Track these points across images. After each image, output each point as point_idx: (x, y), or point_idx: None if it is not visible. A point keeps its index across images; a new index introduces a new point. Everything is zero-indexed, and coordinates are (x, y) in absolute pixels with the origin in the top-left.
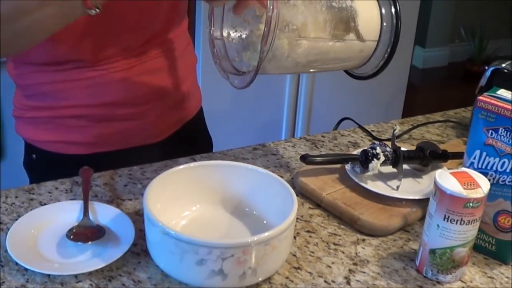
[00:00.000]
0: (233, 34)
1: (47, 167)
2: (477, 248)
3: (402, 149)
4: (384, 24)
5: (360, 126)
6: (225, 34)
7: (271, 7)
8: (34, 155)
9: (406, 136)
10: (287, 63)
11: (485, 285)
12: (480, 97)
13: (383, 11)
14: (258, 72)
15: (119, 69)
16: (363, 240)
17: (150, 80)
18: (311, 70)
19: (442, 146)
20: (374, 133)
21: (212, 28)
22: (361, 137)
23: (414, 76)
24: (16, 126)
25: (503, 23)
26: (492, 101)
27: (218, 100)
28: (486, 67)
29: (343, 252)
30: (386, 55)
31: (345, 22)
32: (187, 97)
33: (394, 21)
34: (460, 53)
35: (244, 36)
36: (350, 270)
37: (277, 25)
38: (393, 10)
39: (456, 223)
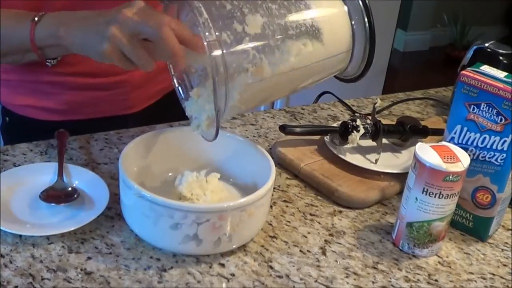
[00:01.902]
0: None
1: (20, 131)
2: (454, 224)
3: (382, 122)
4: (356, 33)
5: (340, 100)
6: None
7: (212, 62)
8: (7, 118)
9: (386, 112)
10: (255, 100)
11: (461, 261)
12: (463, 72)
13: (352, 15)
14: (219, 127)
15: None
16: (340, 212)
17: None
18: (287, 92)
19: (422, 123)
20: (354, 108)
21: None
22: (341, 111)
23: (395, 59)
24: None
25: (485, 10)
26: (476, 76)
27: None
28: (466, 53)
29: (319, 223)
30: (366, 57)
31: (310, 45)
32: (166, 68)
33: (367, 23)
34: (441, 38)
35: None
36: (326, 241)
37: (227, 77)
38: (363, 12)
39: (435, 197)
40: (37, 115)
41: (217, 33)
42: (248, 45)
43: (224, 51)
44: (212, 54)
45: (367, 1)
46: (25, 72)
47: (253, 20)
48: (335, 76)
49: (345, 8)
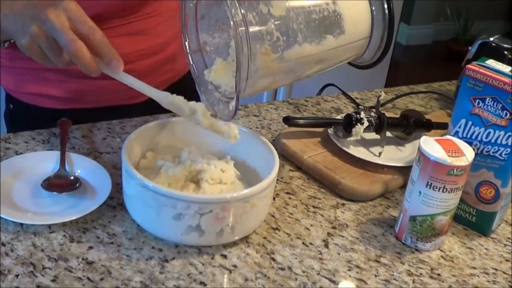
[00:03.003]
0: (211, 41)
1: (24, 119)
2: (457, 218)
3: (386, 115)
4: (375, 17)
5: (344, 93)
6: (201, 41)
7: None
8: (11, 105)
9: (389, 105)
10: (274, 82)
11: (463, 256)
12: (469, 66)
13: (372, 2)
14: (239, 98)
15: (102, 28)
16: (343, 204)
17: (132, 40)
18: (303, 76)
19: (425, 117)
20: (357, 100)
21: (187, 40)
22: (345, 103)
23: (398, 52)
24: None
25: (488, 5)
26: (481, 70)
27: None
28: (470, 48)
29: (322, 216)
30: (383, 44)
31: (329, 30)
32: (172, 59)
33: (386, 10)
34: (444, 32)
35: (222, 40)
36: (328, 234)
37: (250, 56)
38: (385, 5)
39: (439, 191)
40: (42, 103)
41: (242, 11)
42: (272, 27)
43: (249, 31)
44: (237, 33)
45: None
46: (31, 60)
47: (278, 3)
48: (349, 62)
49: None
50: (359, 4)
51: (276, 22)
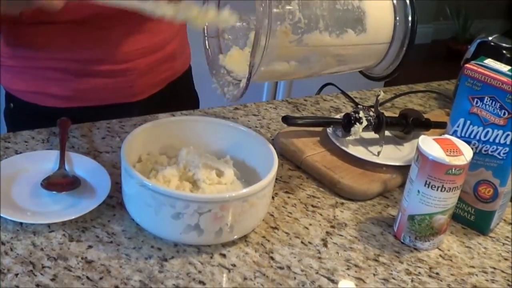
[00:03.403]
0: (230, 30)
1: (24, 117)
2: (456, 217)
3: (385, 115)
4: (398, 25)
5: (343, 92)
6: (220, 29)
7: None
8: (11, 104)
9: (388, 104)
10: (283, 64)
11: (462, 255)
12: (467, 65)
13: (397, 10)
14: (252, 75)
15: (103, 26)
16: (342, 203)
17: (133, 39)
18: (317, 70)
19: (424, 116)
20: (356, 100)
21: (207, 24)
22: (344, 103)
23: None
24: None
25: (488, 4)
26: (479, 70)
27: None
28: (469, 46)
29: (321, 215)
30: (401, 56)
31: (351, 25)
32: (172, 57)
33: (410, 23)
34: (443, 31)
35: (241, 31)
36: (327, 233)
37: (269, 31)
38: (409, 11)
39: (437, 190)
40: (42, 101)
41: None
42: (296, 7)
43: (273, 7)
44: (261, 5)
45: (414, 2)
46: (31, 59)
47: None
48: (362, 73)
49: (393, 1)
50: (384, 8)
51: (301, 4)
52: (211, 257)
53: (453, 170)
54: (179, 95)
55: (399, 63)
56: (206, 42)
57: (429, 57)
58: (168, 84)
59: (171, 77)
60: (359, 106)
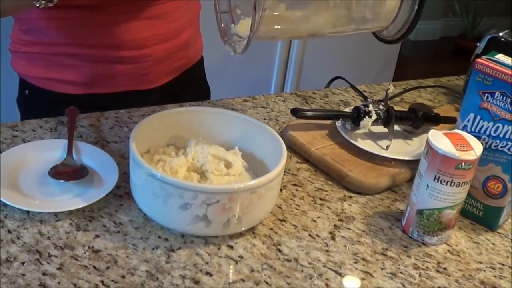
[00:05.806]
0: (241, 5)
1: (38, 104)
2: (464, 213)
3: (395, 109)
4: None
5: (352, 86)
6: (233, 5)
7: None
8: (26, 91)
9: (397, 99)
10: (290, 24)
11: (470, 250)
12: (478, 60)
13: None
14: (253, 33)
15: (121, 11)
16: (350, 197)
17: (150, 25)
18: (319, 25)
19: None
20: (365, 94)
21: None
22: (353, 96)
23: (406, 47)
24: (11, 61)
25: (497, 2)
26: (490, 64)
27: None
28: (478, 43)
29: (329, 208)
30: (412, 15)
31: None
32: (186, 45)
33: None
34: (452, 28)
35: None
36: (335, 226)
37: None
38: None
39: (446, 184)
40: (58, 88)
41: None
42: None
43: None
44: None
45: None
46: (46, 45)
47: None
48: (375, 35)
49: None
50: None
51: None
52: (219, 249)
53: (463, 165)
54: (192, 84)
55: (410, 23)
56: (219, 15)
57: (437, 53)
58: (182, 73)
59: (185, 66)
60: (368, 99)
